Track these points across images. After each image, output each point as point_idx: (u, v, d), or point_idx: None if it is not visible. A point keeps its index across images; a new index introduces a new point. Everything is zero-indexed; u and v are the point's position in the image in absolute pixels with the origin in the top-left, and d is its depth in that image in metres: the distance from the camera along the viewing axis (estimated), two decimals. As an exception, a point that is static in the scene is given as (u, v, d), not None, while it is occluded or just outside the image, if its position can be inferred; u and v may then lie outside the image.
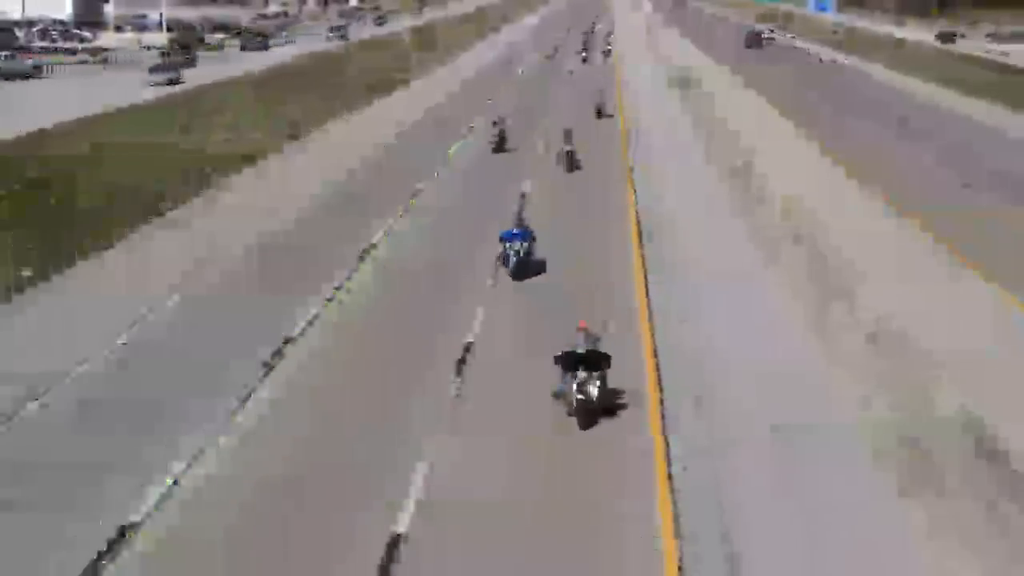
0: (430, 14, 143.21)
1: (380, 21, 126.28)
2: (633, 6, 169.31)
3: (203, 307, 21.29)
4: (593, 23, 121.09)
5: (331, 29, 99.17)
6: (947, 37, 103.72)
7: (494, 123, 41.29)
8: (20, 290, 21.86)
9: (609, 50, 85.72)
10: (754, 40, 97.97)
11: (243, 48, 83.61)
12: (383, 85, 60.04)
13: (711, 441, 15.43)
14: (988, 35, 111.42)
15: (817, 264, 24.74)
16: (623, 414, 16.29)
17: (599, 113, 48.87)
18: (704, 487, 14.06)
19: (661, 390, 17.16)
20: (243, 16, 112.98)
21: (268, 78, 62.81)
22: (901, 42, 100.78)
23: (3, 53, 61.37)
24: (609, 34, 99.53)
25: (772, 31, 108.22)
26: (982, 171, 38.21)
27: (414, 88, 62.63)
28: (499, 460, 14.87)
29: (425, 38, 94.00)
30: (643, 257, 25.23)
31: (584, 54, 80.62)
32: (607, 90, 56.75)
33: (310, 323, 20.26)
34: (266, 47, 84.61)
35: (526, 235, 23.44)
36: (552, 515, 13.40)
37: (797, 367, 18.51)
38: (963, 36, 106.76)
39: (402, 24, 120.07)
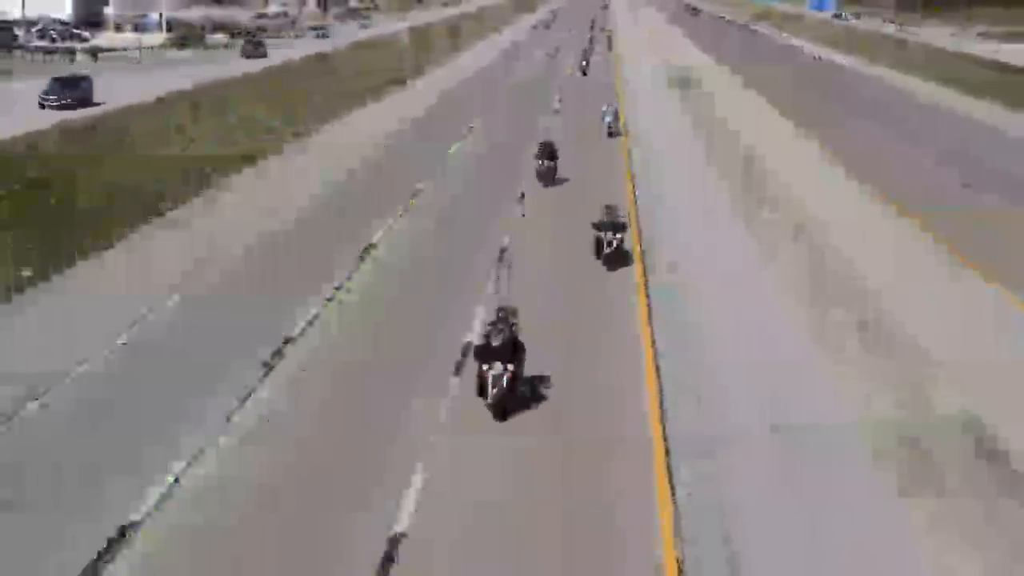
0: (375, 29, 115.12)
1: (253, 50, 79.92)
2: (632, 7, 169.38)
3: (203, 307, 21.28)
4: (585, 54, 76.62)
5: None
6: (838, 16, 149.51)
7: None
8: (20, 290, 21.85)
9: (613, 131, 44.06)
10: (691, 12, 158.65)
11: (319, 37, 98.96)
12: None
13: (711, 441, 15.43)
14: (979, 34, 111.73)
15: (816, 264, 24.76)
16: (624, 412, 16.30)
17: None
18: (704, 487, 14.06)
19: (661, 390, 17.16)
20: (243, 17, 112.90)
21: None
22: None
23: None
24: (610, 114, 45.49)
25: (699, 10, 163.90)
26: (982, 171, 38.21)
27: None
28: (497, 462, 14.85)
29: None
30: (643, 257, 25.24)
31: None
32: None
33: (310, 323, 20.26)
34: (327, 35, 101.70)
35: None
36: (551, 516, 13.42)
37: (797, 367, 18.50)
38: (858, 17, 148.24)
39: (317, 45, 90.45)
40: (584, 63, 69.84)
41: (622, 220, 24.97)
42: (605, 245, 23.96)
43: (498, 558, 12.48)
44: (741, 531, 13.02)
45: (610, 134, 43.68)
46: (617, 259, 24.05)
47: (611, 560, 12.47)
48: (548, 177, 33.73)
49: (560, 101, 55.32)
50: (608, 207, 24.69)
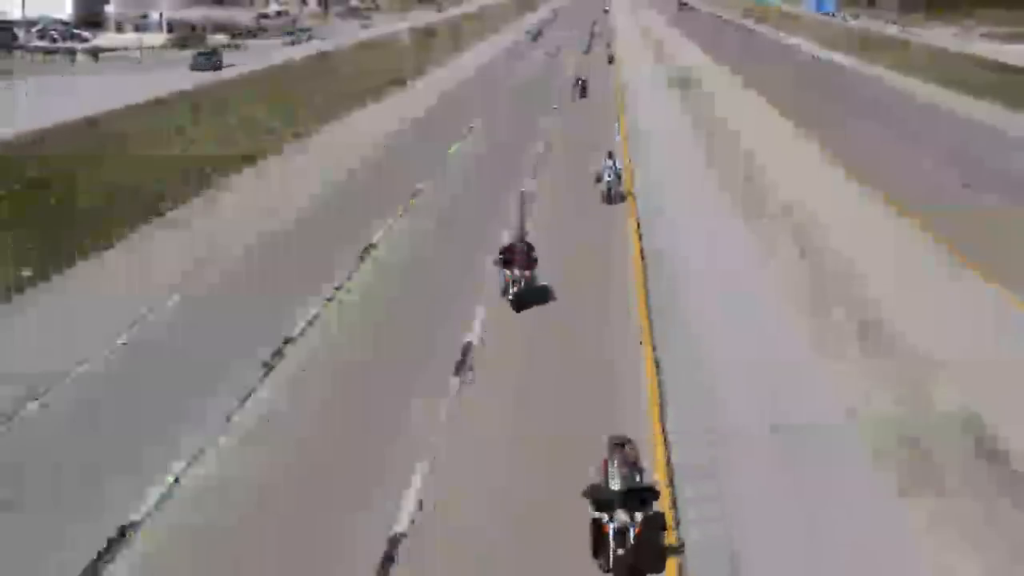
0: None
1: (205, 62, 68.02)
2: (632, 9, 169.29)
3: (203, 307, 21.28)
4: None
5: None
6: (831, 15, 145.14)
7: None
8: (20, 290, 21.87)
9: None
10: (681, 6, 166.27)
11: None
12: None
13: (712, 441, 15.42)
14: (982, 35, 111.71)
15: (816, 264, 24.75)
16: (623, 412, 16.29)
17: None
18: (704, 486, 14.06)
19: (661, 388, 17.15)
20: (244, 17, 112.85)
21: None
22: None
23: None
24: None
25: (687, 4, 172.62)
26: (982, 171, 38.16)
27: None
28: (497, 460, 14.85)
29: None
30: (643, 257, 25.24)
31: None
32: None
33: (310, 323, 20.26)
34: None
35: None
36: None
37: (797, 368, 18.50)
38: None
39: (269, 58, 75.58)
40: (581, 81, 57.63)
41: (644, 482, 12.60)
42: (612, 538, 12.06)
43: (495, 556, 12.48)
44: (741, 530, 13.02)
45: (609, 198, 31.01)
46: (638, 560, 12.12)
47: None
48: (522, 297, 21.00)
49: (557, 105, 55.30)
50: (616, 443, 12.86)
